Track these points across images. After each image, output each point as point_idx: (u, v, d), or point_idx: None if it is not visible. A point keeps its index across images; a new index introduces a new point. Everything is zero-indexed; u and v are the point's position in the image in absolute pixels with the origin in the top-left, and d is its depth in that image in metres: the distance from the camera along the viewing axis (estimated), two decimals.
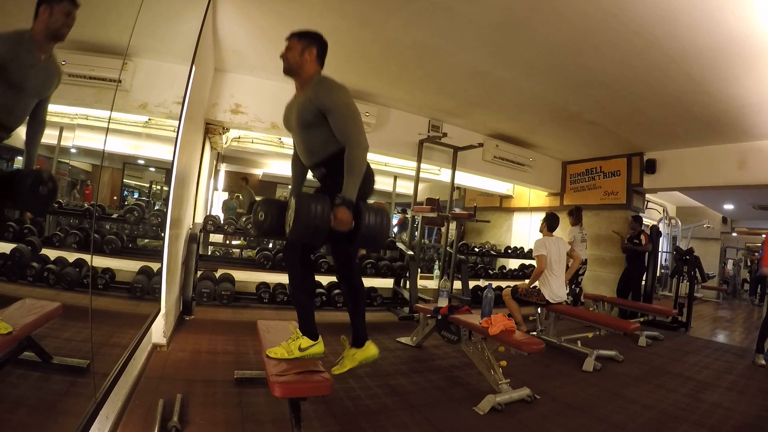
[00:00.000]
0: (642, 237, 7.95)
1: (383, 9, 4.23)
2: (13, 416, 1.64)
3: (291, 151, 6.87)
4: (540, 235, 5.93)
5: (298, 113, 2.72)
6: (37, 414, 1.74)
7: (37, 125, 1.82)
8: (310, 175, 3.02)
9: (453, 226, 7.36)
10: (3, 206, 2.01)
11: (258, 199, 11.02)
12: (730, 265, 16.84)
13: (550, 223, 5.86)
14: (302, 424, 2.41)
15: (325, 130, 2.64)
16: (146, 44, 3.04)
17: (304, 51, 2.78)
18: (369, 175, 2.74)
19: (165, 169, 4.00)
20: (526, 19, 4.13)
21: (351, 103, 2.66)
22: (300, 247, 2.75)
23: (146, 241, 5.17)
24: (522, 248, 9.37)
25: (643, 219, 8.85)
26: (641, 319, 6.71)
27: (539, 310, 5.77)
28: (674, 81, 5.00)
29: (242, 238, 8.40)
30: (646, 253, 8.05)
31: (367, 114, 6.56)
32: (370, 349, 2.90)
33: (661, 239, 9.97)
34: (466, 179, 9.26)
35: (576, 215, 7.92)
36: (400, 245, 7.13)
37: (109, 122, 2.28)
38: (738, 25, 3.76)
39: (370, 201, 2.72)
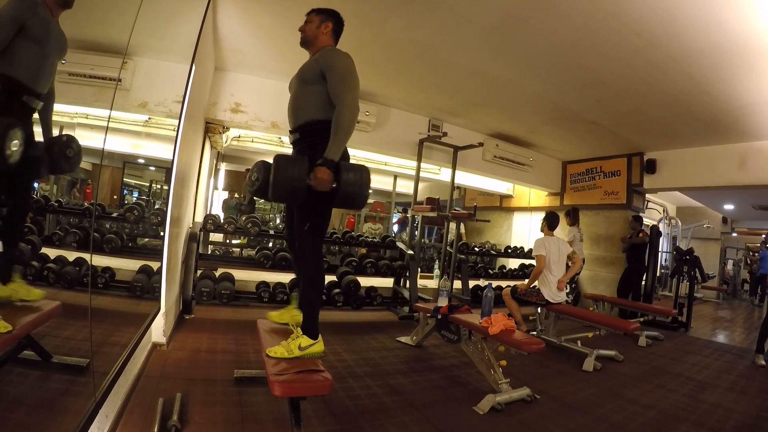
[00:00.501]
0: (641, 236, 7.94)
1: (384, 8, 4.23)
2: (13, 415, 1.64)
3: (292, 150, 6.85)
4: (541, 235, 5.91)
5: (301, 72, 2.85)
6: (36, 413, 1.74)
7: (49, 94, 1.87)
8: None
9: (453, 225, 7.35)
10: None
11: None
12: (730, 266, 16.83)
13: (550, 222, 5.85)
14: (302, 423, 2.41)
15: (319, 90, 2.70)
16: (146, 43, 3.03)
17: (321, 24, 2.90)
18: (345, 154, 2.74)
19: (165, 168, 4.00)
20: (526, 19, 4.13)
21: (352, 68, 2.72)
22: (317, 242, 2.77)
23: (146, 240, 5.17)
24: (522, 248, 9.38)
25: (644, 219, 8.84)
26: (641, 319, 6.72)
27: (539, 309, 5.76)
28: (674, 81, 5.00)
29: (242, 237, 8.40)
30: (646, 253, 8.02)
31: (367, 113, 6.57)
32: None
33: (661, 239, 9.96)
34: (466, 179, 9.25)
35: (573, 216, 7.93)
36: (400, 244, 7.13)
37: (108, 121, 2.27)
38: (738, 24, 3.76)
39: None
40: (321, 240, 2.89)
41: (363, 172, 2.61)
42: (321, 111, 2.69)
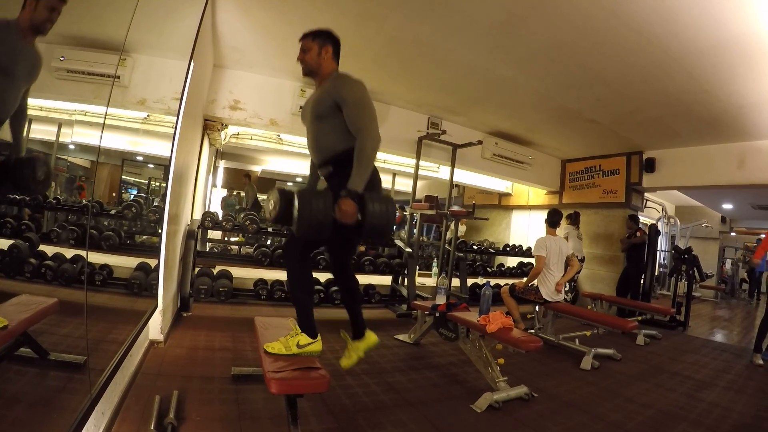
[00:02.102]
0: (639, 235, 7.94)
1: (383, 5, 4.22)
2: (10, 412, 1.64)
3: (290, 148, 6.84)
4: (543, 234, 5.88)
5: (314, 105, 2.77)
6: (33, 410, 1.74)
7: (20, 113, 1.81)
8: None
9: (452, 223, 7.35)
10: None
11: (260, 197, 11.06)
12: (728, 265, 16.84)
13: (551, 220, 5.82)
14: (299, 421, 2.41)
15: (338, 123, 2.65)
16: (145, 40, 3.02)
17: (321, 50, 2.82)
18: (375, 178, 2.74)
19: (163, 165, 4.00)
20: (526, 17, 4.13)
21: (366, 96, 2.66)
22: (300, 244, 2.74)
23: (144, 237, 5.16)
24: (521, 246, 9.37)
25: (642, 218, 8.85)
26: (639, 318, 6.72)
27: (537, 308, 5.76)
28: (674, 80, 5.00)
29: (240, 235, 8.40)
30: (645, 252, 8.02)
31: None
32: (371, 338, 2.98)
33: (659, 238, 9.97)
34: (465, 177, 9.23)
35: (574, 219, 7.96)
36: (398, 242, 7.13)
37: (105, 118, 2.27)
38: (739, 24, 3.76)
39: None
40: (311, 248, 2.91)
41: (389, 204, 2.56)
42: (343, 142, 2.65)
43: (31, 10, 1.59)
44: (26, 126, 1.90)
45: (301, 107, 3.01)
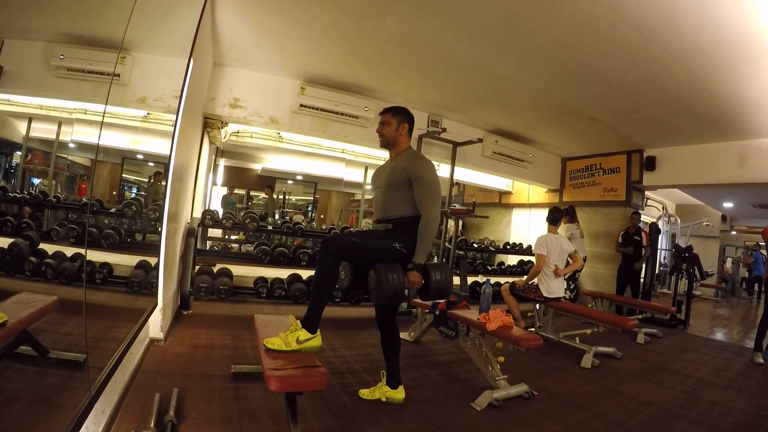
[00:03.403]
0: (643, 235, 7.92)
1: (383, 3, 4.22)
2: (10, 410, 1.64)
3: (290, 146, 6.88)
4: (544, 232, 5.87)
5: (389, 176, 3.11)
6: (33, 408, 1.74)
7: None
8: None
9: (452, 221, 7.35)
10: None
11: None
12: (729, 264, 16.84)
13: (551, 218, 5.81)
14: (298, 419, 2.41)
15: (407, 195, 3.04)
16: (144, 38, 3.02)
17: (399, 126, 3.20)
18: None
19: (164, 163, 4.00)
20: (526, 15, 4.12)
21: (436, 179, 3.06)
22: (342, 243, 2.85)
23: (145, 235, 5.17)
24: (521, 244, 9.38)
25: (643, 216, 8.83)
26: (639, 317, 6.72)
27: (537, 306, 5.76)
28: (675, 77, 4.99)
29: (240, 233, 8.39)
30: (642, 249, 8.00)
31: (366, 108, 6.56)
32: (400, 394, 3.28)
33: (660, 236, 9.96)
34: (465, 175, 9.23)
35: (571, 214, 7.95)
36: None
37: (104, 116, 2.26)
38: (739, 21, 3.75)
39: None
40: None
41: (446, 271, 3.10)
42: (408, 209, 3.04)
43: None
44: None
45: (373, 172, 3.47)
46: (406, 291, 2.94)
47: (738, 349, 6.38)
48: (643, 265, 8.15)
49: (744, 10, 3.58)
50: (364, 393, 3.30)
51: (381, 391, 3.26)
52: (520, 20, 4.23)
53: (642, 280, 8.25)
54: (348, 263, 3.08)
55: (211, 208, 7.99)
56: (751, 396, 4.19)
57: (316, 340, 2.71)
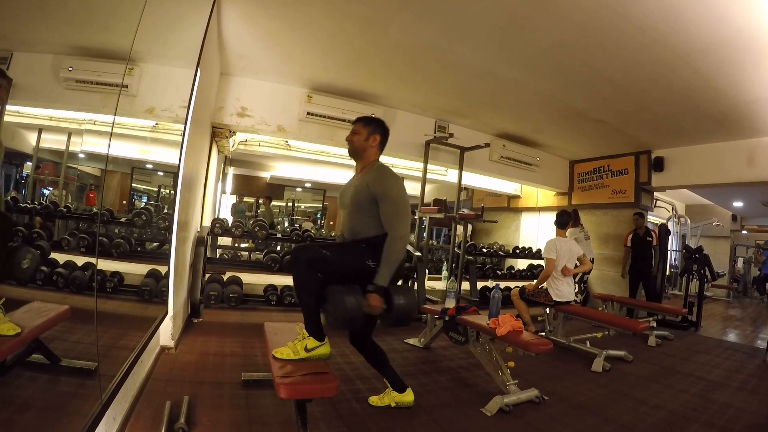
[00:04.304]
0: (653, 235, 7.87)
1: (387, 10, 4.24)
2: (22, 417, 1.66)
3: (298, 154, 6.93)
4: (553, 236, 5.86)
5: (354, 194, 2.93)
6: (45, 415, 1.76)
7: None
8: None
9: (461, 227, 7.34)
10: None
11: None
12: (740, 263, 16.68)
13: (559, 220, 5.80)
14: (308, 425, 2.42)
15: (373, 214, 2.84)
16: (151, 49, 3.06)
17: (370, 137, 3.03)
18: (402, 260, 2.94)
19: (173, 173, 4.04)
20: (529, 18, 4.13)
21: (403, 196, 2.87)
22: (311, 253, 2.78)
23: (154, 244, 5.20)
24: (530, 248, 9.36)
25: (652, 217, 8.78)
26: (651, 320, 6.66)
27: (547, 310, 5.74)
28: (681, 77, 4.97)
29: (250, 241, 8.43)
30: (652, 249, 7.96)
31: (373, 115, 6.57)
32: (408, 397, 3.23)
33: (670, 238, 9.90)
34: (473, 180, 9.24)
35: (574, 217, 7.92)
36: (407, 246, 7.12)
37: (113, 126, 2.29)
38: (744, 19, 3.74)
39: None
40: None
41: (409, 296, 2.86)
42: (374, 230, 2.83)
43: None
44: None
45: (340, 191, 3.22)
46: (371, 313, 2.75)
47: (750, 350, 6.32)
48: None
49: (748, 7, 3.57)
50: (374, 400, 3.27)
51: (390, 397, 3.22)
52: (523, 23, 4.24)
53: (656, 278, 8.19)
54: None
55: (221, 216, 8.05)
56: (764, 398, 4.14)
57: (325, 348, 2.72)
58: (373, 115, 3.14)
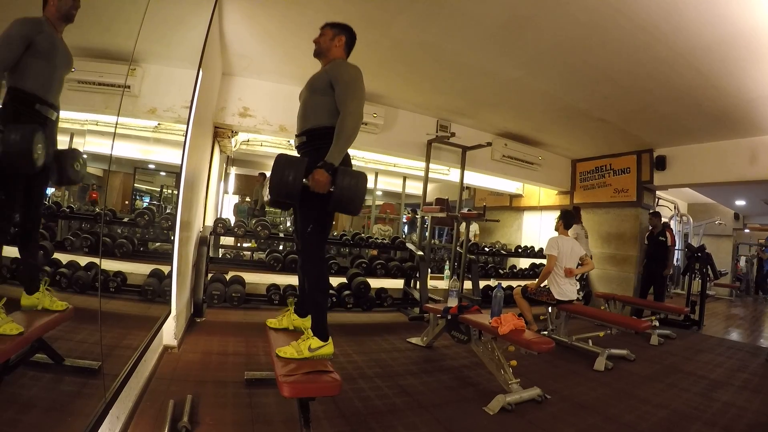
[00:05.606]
0: (668, 234, 7.83)
1: (389, 10, 4.24)
2: (26, 416, 1.67)
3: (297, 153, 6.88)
4: (555, 234, 5.86)
5: (311, 82, 2.96)
6: (48, 414, 1.77)
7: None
8: None
9: (463, 226, 7.34)
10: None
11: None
12: (742, 262, 16.65)
13: (566, 221, 5.79)
14: (311, 424, 2.42)
15: (328, 101, 2.79)
16: (153, 50, 3.07)
17: (335, 37, 3.03)
18: (347, 160, 2.81)
19: (175, 173, 4.05)
20: (531, 17, 4.13)
21: (358, 79, 2.81)
22: (320, 244, 2.81)
23: (157, 244, 5.22)
24: (532, 247, 9.35)
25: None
26: (653, 318, 6.65)
27: (550, 309, 5.74)
28: (682, 76, 4.96)
29: (252, 241, 8.44)
30: (666, 249, 7.93)
31: (375, 115, 6.59)
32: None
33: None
34: (475, 179, 9.24)
35: (576, 215, 7.92)
36: (409, 245, 7.13)
37: (116, 127, 2.30)
38: (745, 17, 3.73)
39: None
40: (323, 242, 2.94)
41: (360, 179, 2.65)
42: (328, 118, 2.75)
43: (55, 2, 1.79)
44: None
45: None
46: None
47: (753, 349, 6.31)
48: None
49: (749, 6, 3.56)
50: (272, 322, 3.26)
51: (288, 320, 3.21)
52: (525, 23, 4.24)
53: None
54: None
55: (223, 216, 8.06)
56: (767, 397, 4.14)
57: (328, 348, 2.71)
58: (338, 22, 3.09)
